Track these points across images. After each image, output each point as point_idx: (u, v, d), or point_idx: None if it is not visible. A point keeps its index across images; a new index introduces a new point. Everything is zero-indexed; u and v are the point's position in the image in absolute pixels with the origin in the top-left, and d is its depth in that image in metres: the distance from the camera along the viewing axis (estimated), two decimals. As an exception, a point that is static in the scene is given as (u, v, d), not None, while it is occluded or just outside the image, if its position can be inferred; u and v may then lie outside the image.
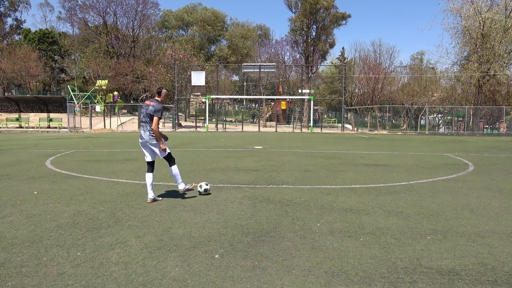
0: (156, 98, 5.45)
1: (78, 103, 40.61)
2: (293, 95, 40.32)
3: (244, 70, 41.75)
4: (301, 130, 34.39)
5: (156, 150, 5.39)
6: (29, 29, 61.44)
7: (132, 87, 48.30)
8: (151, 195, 5.38)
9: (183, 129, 33.59)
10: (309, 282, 2.90)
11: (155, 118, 5.23)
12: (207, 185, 5.89)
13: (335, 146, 15.69)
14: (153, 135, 5.29)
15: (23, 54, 45.97)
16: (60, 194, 5.84)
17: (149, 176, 5.38)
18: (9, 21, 62.37)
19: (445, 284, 2.89)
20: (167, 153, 5.44)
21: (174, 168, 5.50)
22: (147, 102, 5.40)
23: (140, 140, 5.46)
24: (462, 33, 36.07)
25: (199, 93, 44.48)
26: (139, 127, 31.59)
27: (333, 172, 8.29)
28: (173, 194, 5.89)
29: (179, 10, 64.41)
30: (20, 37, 61.27)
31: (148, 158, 5.46)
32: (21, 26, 63.57)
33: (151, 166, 5.45)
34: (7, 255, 3.38)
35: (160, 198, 5.55)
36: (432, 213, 4.90)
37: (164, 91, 5.46)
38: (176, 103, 34.35)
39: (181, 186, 5.57)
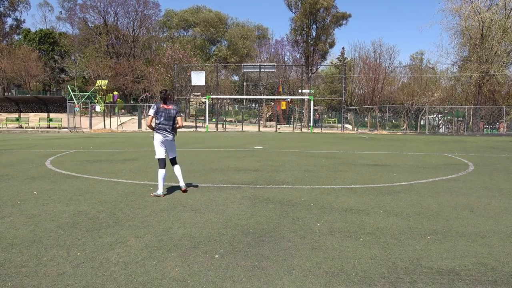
0: (167, 102, 5.93)
1: (78, 103, 40.60)
2: (293, 95, 40.31)
3: (244, 70, 41.75)
4: (301, 130, 34.38)
5: (174, 147, 6.06)
6: (29, 29, 61.49)
7: (132, 87, 48.27)
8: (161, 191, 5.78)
9: (183, 129, 33.57)
10: (309, 282, 2.90)
11: (179, 118, 5.98)
12: None
13: (335, 146, 15.68)
14: (174, 133, 5.93)
15: (23, 54, 45.95)
16: (60, 194, 5.84)
17: (162, 172, 5.83)
18: (9, 21, 62.49)
19: (445, 284, 2.89)
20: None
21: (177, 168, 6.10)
22: (164, 106, 5.86)
23: (163, 138, 5.88)
24: (461, 33, 36.06)
25: (199, 93, 44.46)
26: (139, 127, 31.59)
27: (333, 172, 8.29)
28: (173, 194, 5.89)
29: (183, 11, 64.29)
30: (20, 37, 61.26)
31: (162, 155, 5.90)
32: (21, 26, 63.60)
33: (163, 162, 5.92)
34: (7, 255, 3.38)
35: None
36: (432, 213, 4.90)
37: (168, 92, 6.04)
38: (176, 103, 34.32)
39: (182, 184, 6.04)
